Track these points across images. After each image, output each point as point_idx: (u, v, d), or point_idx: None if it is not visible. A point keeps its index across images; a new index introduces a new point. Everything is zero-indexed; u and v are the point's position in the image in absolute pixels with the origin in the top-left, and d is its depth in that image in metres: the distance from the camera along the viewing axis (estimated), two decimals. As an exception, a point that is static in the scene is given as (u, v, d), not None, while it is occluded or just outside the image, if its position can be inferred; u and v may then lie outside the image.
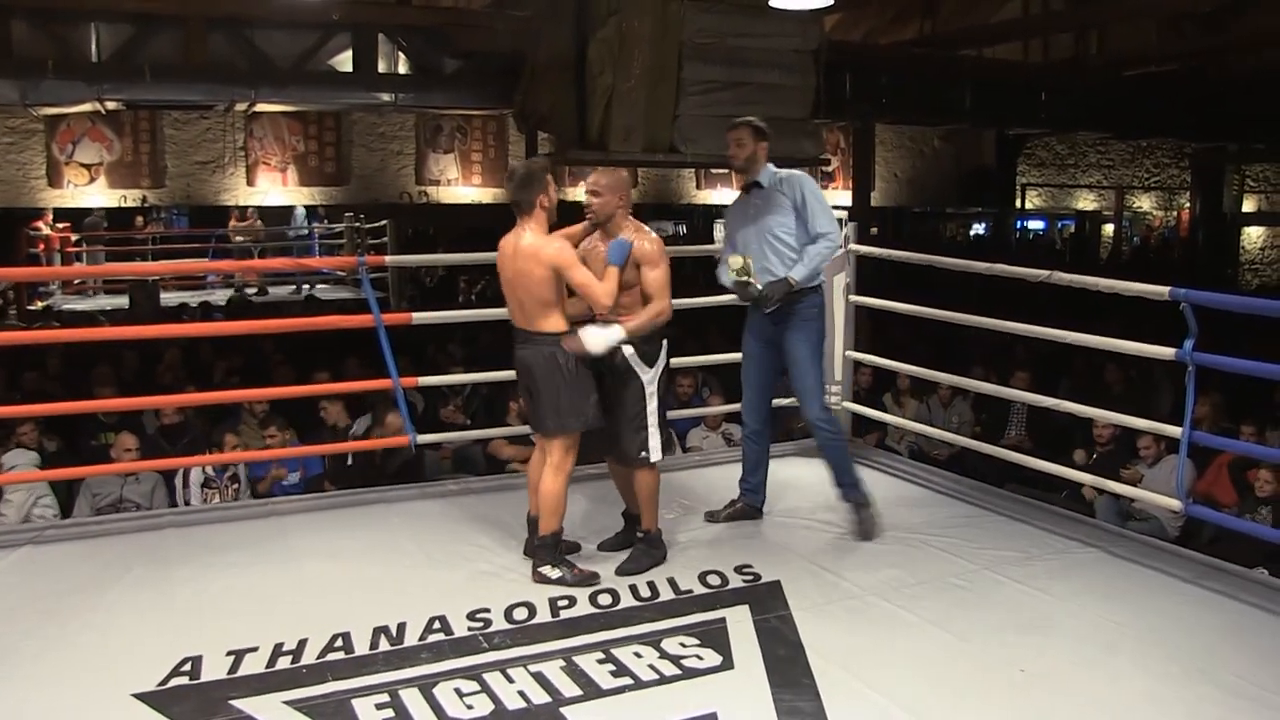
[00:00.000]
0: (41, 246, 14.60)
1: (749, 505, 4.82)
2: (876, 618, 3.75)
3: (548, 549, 4.05)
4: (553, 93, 10.04)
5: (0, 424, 6.42)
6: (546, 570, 4.03)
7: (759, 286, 4.40)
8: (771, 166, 4.54)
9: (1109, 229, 23.48)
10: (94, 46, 10.87)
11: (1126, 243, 23.45)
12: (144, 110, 13.92)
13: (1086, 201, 22.94)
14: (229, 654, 3.46)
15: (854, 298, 5.69)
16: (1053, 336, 4.74)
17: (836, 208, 4.69)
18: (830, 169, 18.10)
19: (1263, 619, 3.80)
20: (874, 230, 13.70)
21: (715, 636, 3.58)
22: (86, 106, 11.30)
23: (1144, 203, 23.56)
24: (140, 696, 3.20)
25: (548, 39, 10.24)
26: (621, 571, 4.12)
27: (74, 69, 10.45)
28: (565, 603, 3.87)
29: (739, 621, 3.70)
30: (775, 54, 10.11)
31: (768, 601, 3.86)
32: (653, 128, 9.67)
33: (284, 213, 16.90)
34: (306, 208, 16.88)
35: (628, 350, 4.03)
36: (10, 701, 3.22)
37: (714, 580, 4.09)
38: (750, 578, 4.12)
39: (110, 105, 11.15)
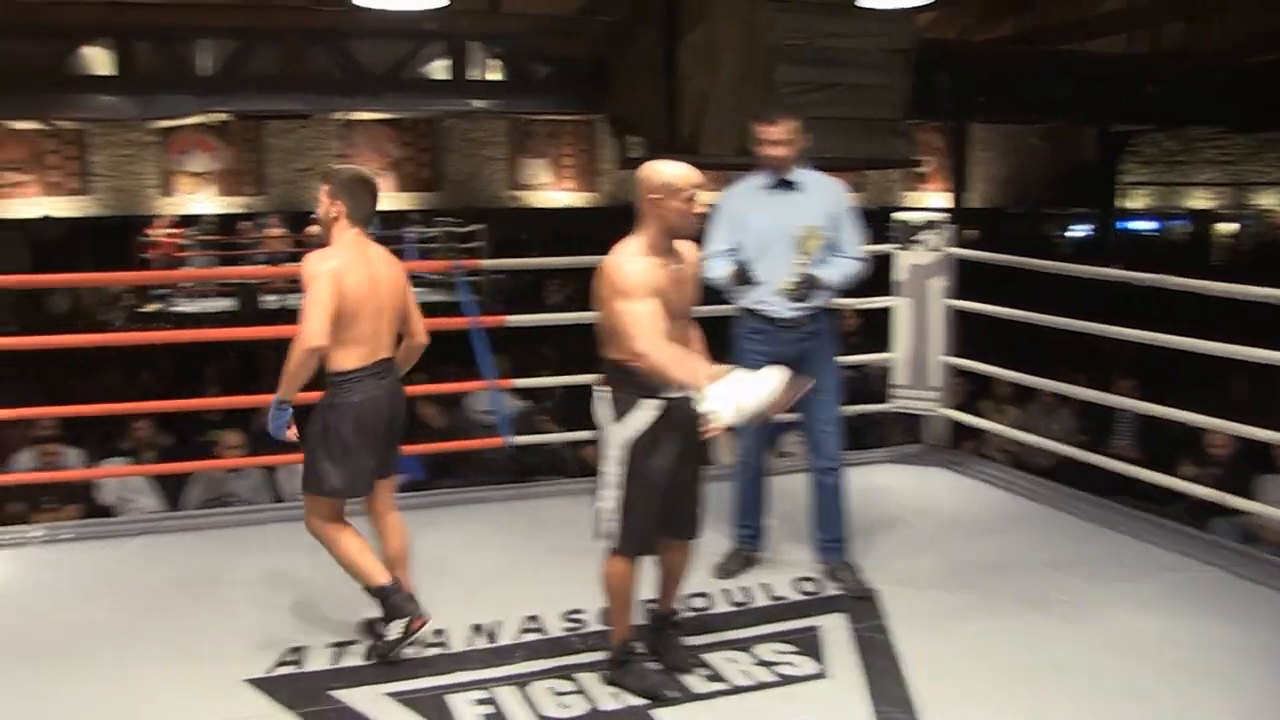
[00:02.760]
0: (153, 251, 15.03)
1: (750, 554, 4.28)
2: (976, 633, 3.65)
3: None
4: (642, 97, 10.07)
5: (116, 420, 6.64)
6: None
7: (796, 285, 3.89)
8: (808, 168, 4.14)
9: (1226, 228, 22.48)
10: (204, 62, 11.28)
11: (1248, 243, 22.37)
12: (248, 121, 14.37)
13: (1200, 200, 22.08)
14: (330, 646, 3.55)
15: (951, 301, 5.58)
16: (1167, 343, 4.52)
17: (930, 210, 4.44)
18: (923, 170, 17.83)
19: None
20: (972, 233, 13.42)
21: (810, 644, 3.54)
22: (196, 119, 11.74)
23: (1268, 200, 22.54)
24: (250, 682, 3.32)
25: (637, 44, 10.28)
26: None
27: (185, 84, 10.87)
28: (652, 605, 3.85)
29: (834, 630, 3.65)
30: (866, 54, 10.00)
31: (864, 611, 3.80)
32: (743, 131, 9.61)
33: (392, 219, 17.00)
34: (402, 212, 17.07)
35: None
36: (129, 682, 3.36)
37: (808, 587, 4.04)
38: (846, 585, 4.06)
39: (217, 117, 11.55)
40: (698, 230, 3.29)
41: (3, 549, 4.56)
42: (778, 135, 3.93)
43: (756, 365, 3.82)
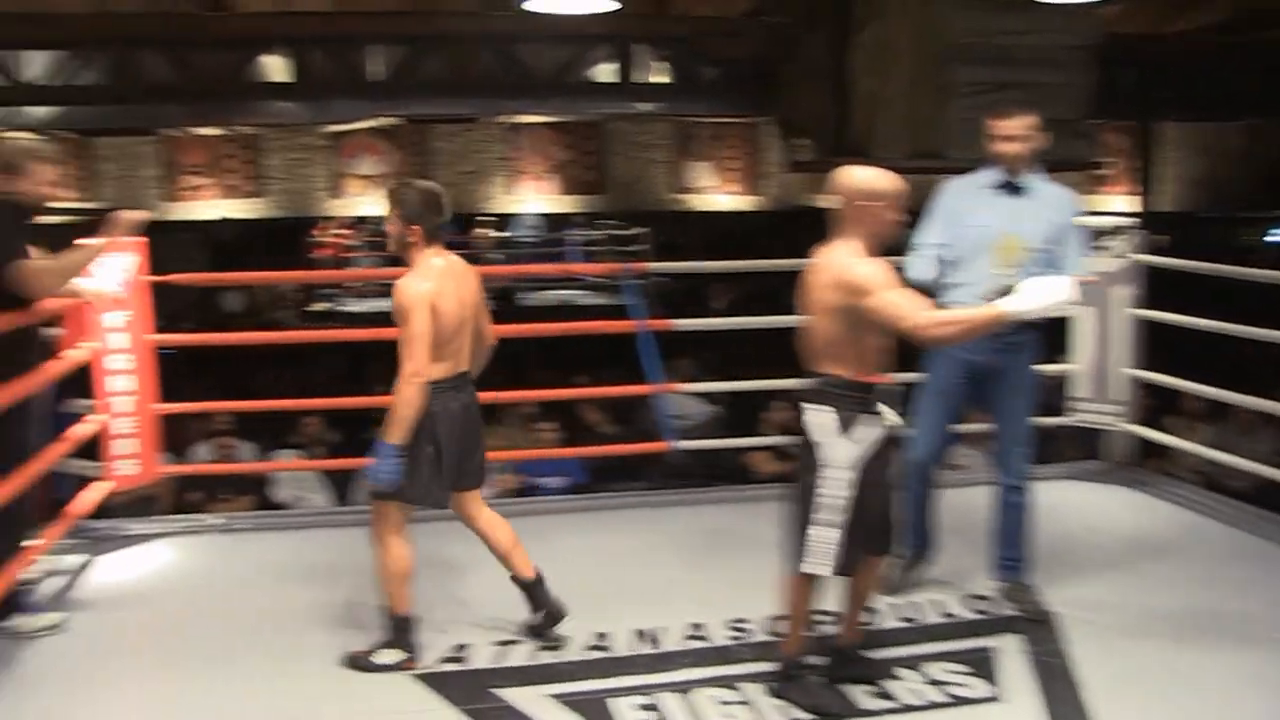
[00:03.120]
0: (321, 252, 15.57)
1: (918, 569, 4.10)
2: (1165, 664, 3.44)
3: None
4: (811, 99, 9.97)
5: (288, 416, 6.91)
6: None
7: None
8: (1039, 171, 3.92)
9: None
10: (375, 67, 11.74)
11: None
12: (416, 124, 14.85)
13: None
14: (494, 644, 3.60)
15: (1138, 311, 5.28)
16: None
17: (1114, 214, 4.16)
18: (1107, 173, 17.04)
19: None
20: (1161, 239, 12.76)
21: (983, 665, 3.41)
22: (366, 123, 12.23)
23: None
24: (416, 676, 3.39)
25: (805, 45, 10.17)
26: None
27: (357, 89, 11.34)
28: (824, 619, 3.76)
29: (1010, 652, 3.50)
30: (1046, 51, 9.66)
31: (1042, 634, 3.63)
32: (917, 133, 9.42)
33: (555, 221, 17.27)
34: (564, 215, 17.30)
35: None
36: (297, 672, 3.47)
37: (982, 606, 3.89)
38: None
39: (387, 120, 12.01)
40: (900, 238, 3.21)
41: (181, 536, 4.79)
42: (1012, 131, 3.73)
43: (950, 373, 3.80)
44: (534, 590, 3.64)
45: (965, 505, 4.27)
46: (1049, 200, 3.80)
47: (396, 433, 3.29)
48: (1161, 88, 12.84)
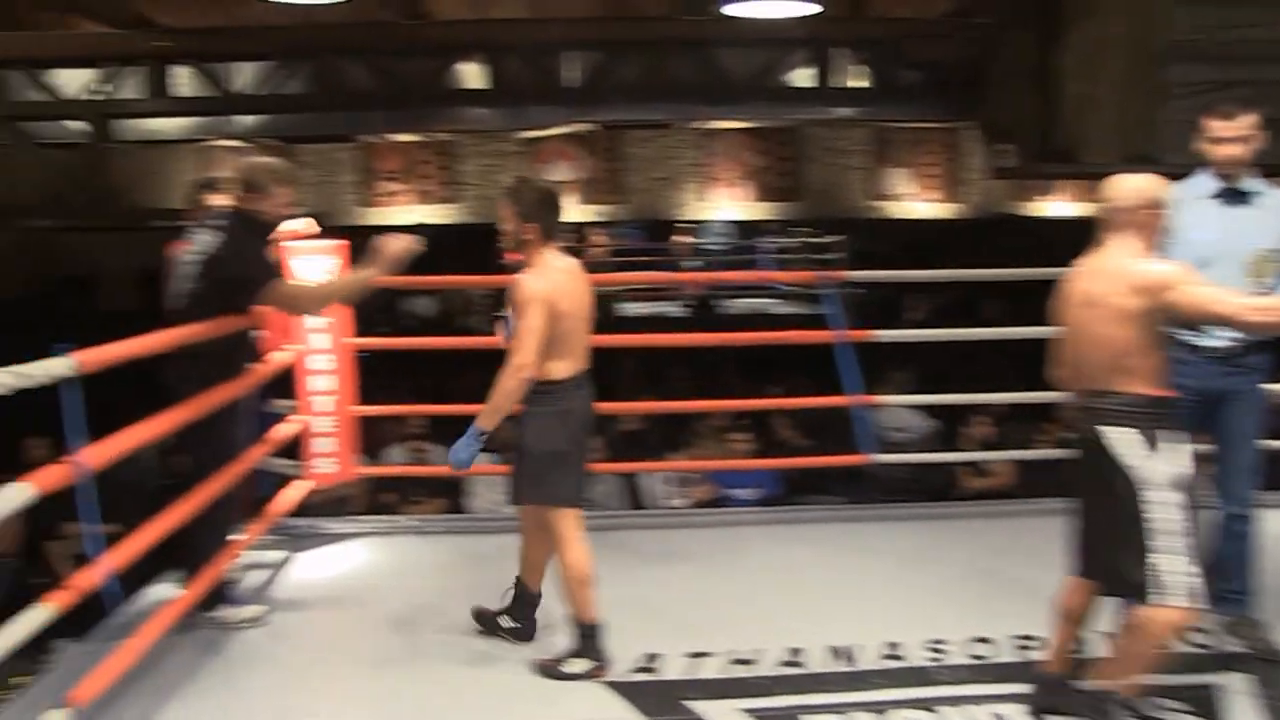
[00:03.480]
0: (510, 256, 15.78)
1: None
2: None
3: None
4: (1017, 101, 9.64)
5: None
6: None
7: None
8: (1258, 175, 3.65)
9: None
10: (570, 73, 11.94)
11: None
12: (610, 130, 15.02)
13: None
14: (688, 655, 3.59)
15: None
16: None
17: None
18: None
19: None
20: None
21: (1204, 704, 3.20)
22: (562, 129, 12.45)
23: None
24: (608, 685, 3.41)
25: (1011, 45, 9.84)
26: None
27: (552, 95, 11.56)
28: (1028, 642, 3.62)
29: (1235, 692, 3.27)
30: (1276, 45, 9.02)
31: (1273, 674, 3.38)
32: (1129, 137, 8.97)
33: (748, 228, 17.20)
34: (758, 222, 17.18)
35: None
36: (486, 673, 3.55)
37: (1202, 640, 3.64)
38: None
39: (581, 126, 12.20)
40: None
41: (376, 536, 4.95)
42: (1234, 132, 3.47)
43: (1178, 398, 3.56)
44: (528, 602, 3.69)
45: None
46: (1276, 207, 3.54)
47: (488, 420, 3.37)
48: None
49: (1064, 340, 3.10)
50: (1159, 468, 2.85)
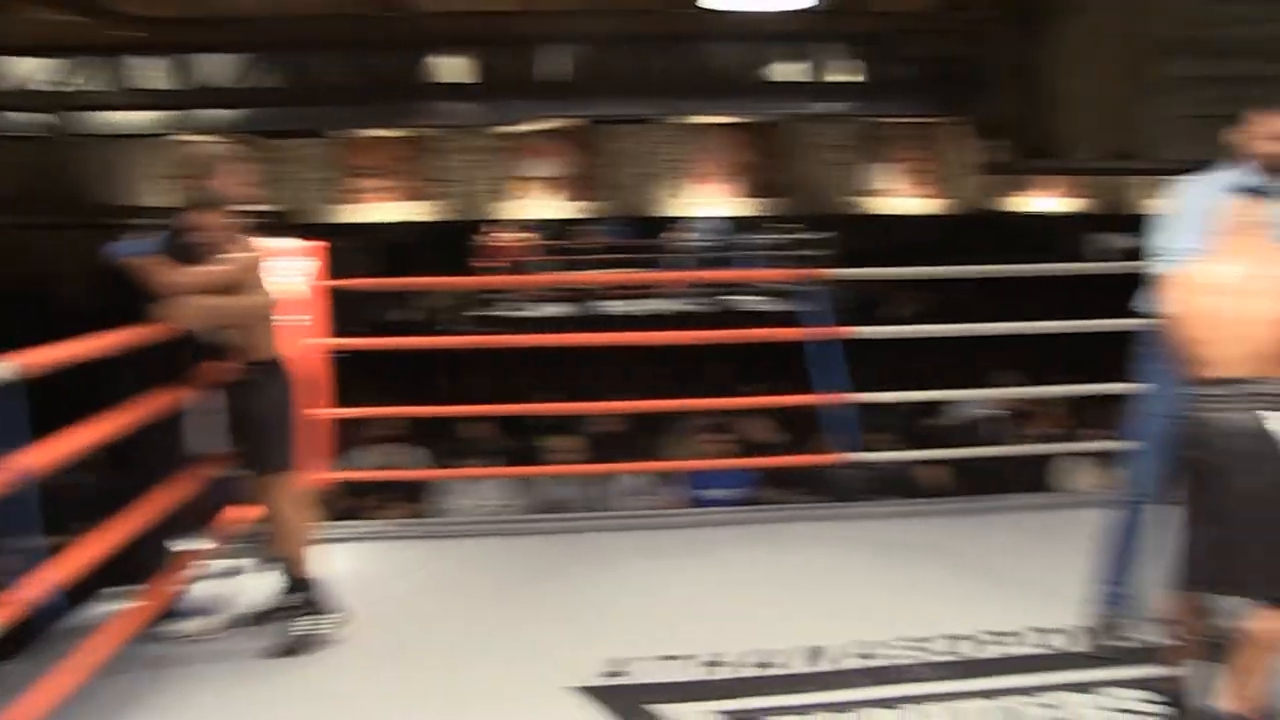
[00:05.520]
0: (494, 256, 15.41)
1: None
2: None
3: None
4: (1008, 98, 9.58)
5: (458, 423, 6.96)
6: None
7: None
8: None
9: None
10: (554, 68, 11.79)
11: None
12: (594, 125, 14.84)
13: None
14: (659, 658, 3.53)
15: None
16: None
17: None
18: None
19: None
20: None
21: (1163, 690, 3.13)
22: (545, 124, 12.30)
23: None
24: (578, 689, 3.34)
25: (1002, 40, 9.79)
26: None
27: (536, 89, 11.40)
28: (1002, 639, 3.62)
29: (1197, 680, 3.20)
30: (1270, 42, 8.97)
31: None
32: (1119, 133, 8.94)
33: (737, 224, 17.03)
34: (746, 218, 17.05)
35: None
36: (456, 680, 3.47)
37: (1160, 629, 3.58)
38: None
39: (565, 122, 12.07)
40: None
41: (348, 541, 4.79)
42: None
43: (1160, 387, 3.43)
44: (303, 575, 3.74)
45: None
46: None
47: None
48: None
49: (1191, 328, 3.00)
50: None
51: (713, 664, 3.50)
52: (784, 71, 11.80)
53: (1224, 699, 2.87)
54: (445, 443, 6.91)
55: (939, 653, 3.53)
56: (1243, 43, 8.93)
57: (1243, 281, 2.89)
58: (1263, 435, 2.79)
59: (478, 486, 6.32)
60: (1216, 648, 3.20)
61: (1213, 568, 2.88)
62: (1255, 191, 3.35)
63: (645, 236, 16.51)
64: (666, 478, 6.09)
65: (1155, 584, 3.33)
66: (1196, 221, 3.40)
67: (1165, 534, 3.35)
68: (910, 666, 3.45)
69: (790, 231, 15.42)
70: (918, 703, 3.20)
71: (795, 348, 4.99)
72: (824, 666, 3.47)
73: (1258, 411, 2.80)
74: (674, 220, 16.38)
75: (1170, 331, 3.07)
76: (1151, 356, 3.46)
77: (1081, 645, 3.56)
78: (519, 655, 3.60)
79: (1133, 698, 3.19)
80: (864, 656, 3.51)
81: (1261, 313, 2.83)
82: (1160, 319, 3.21)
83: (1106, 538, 3.59)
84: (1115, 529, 3.57)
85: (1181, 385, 3.15)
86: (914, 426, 6.84)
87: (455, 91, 12.36)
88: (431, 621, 3.91)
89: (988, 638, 3.62)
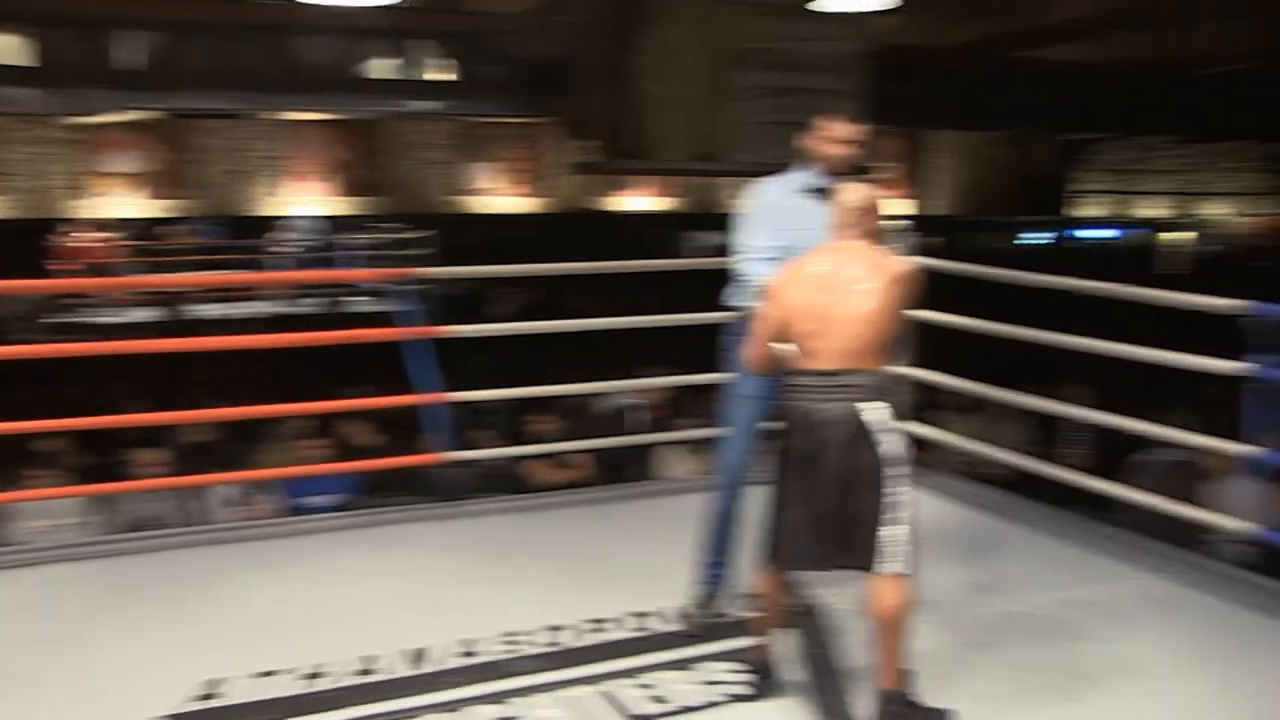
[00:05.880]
0: (68, 257, 14.29)
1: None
2: (929, 653, 3.48)
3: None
4: (598, 100, 9.94)
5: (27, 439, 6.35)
6: None
7: None
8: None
9: (1179, 236, 22.89)
10: (131, 55, 10.87)
11: (1200, 251, 22.83)
12: (179, 119, 13.92)
13: (1154, 208, 22.42)
14: (255, 676, 3.37)
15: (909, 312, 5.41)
16: (1116, 353, 4.42)
17: (895, 218, 4.19)
18: (885, 177, 17.83)
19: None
20: (936, 240, 13.42)
21: (754, 662, 3.36)
22: (122, 115, 11.35)
23: (1216, 209, 22.96)
24: (166, 719, 3.12)
25: (594, 45, 10.15)
26: None
27: (111, 78, 10.47)
28: (600, 625, 3.75)
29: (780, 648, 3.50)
30: (827, 57, 9.94)
31: (810, 629, 3.68)
32: (699, 136, 9.54)
33: (333, 224, 16.54)
34: (344, 218, 16.56)
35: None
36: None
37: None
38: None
39: (146, 114, 11.21)
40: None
41: None
42: (847, 135, 3.68)
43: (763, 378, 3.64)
44: None
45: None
46: None
47: None
48: (933, 96, 13.46)
49: (794, 322, 3.15)
50: (901, 444, 3.03)
51: (313, 676, 3.39)
52: (379, 68, 11.56)
53: (879, 679, 3.06)
54: (14, 462, 6.22)
55: (541, 645, 3.60)
56: (805, 57, 9.83)
57: (840, 278, 3.10)
58: (858, 424, 3.02)
59: (53, 507, 5.67)
60: (796, 618, 3.58)
61: (808, 545, 3.08)
62: (822, 192, 3.64)
63: (240, 236, 15.68)
64: (263, 487, 5.81)
65: (747, 561, 3.60)
66: (771, 220, 3.71)
67: (756, 515, 3.63)
68: (513, 660, 3.49)
69: (390, 231, 15.18)
70: (524, 695, 3.25)
71: (397, 349, 4.90)
72: (428, 668, 3.44)
73: (854, 403, 3.03)
74: (271, 220, 15.68)
75: (769, 324, 3.25)
76: (738, 347, 3.66)
77: (676, 625, 3.75)
78: (99, 687, 3.31)
79: (723, 669, 3.42)
80: (468, 655, 3.52)
81: (857, 309, 3.05)
82: (752, 312, 3.42)
83: (707, 521, 3.80)
84: (713, 512, 3.79)
85: (771, 376, 3.41)
86: (518, 423, 6.94)
87: (17, 75, 10.96)
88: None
89: (588, 626, 3.73)
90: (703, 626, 3.70)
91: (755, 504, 3.45)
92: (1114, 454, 6.84)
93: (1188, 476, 6.02)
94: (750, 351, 3.42)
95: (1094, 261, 20.61)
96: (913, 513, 3.01)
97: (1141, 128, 16.45)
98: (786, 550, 3.12)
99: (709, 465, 6.71)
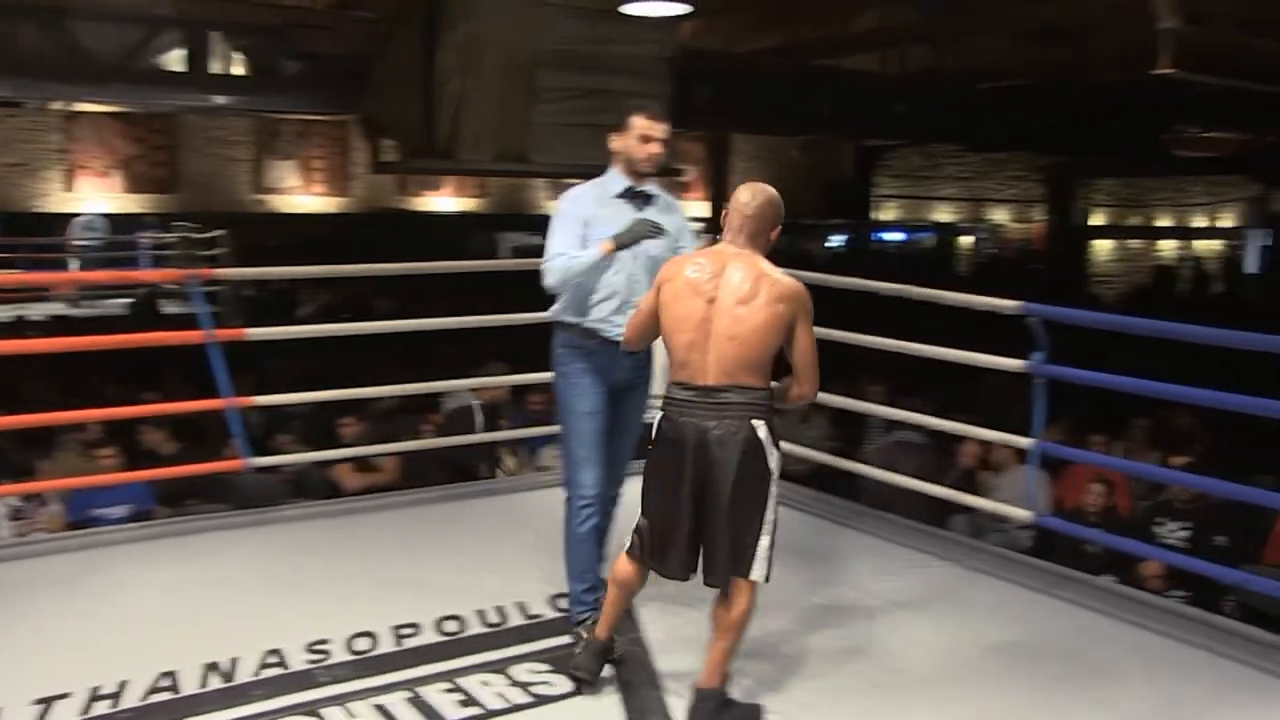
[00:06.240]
0: None
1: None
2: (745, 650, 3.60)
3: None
4: (399, 98, 9.79)
5: None
6: None
7: None
8: None
9: (966, 240, 24.29)
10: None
11: (983, 254, 24.33)
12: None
13: (944, 213, 23.69)
14: (36, 702, 3.16)
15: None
16: (905, 350, 4.61)
17: (694, 220, 4.18)
18: (686, 180, 18.19)
19: (1108, 625, 3.91)
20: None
21: (566, 662, 3.41)
22: None
23: (1000, 215, 24.48)
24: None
25: (394, 42, 9.98)
26: None
27: None
28: (410, 631, 3.70)
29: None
30: (632, 61, 10.05)
31: (621, 626, 3.64)
32: (504, 136, 9.50)
33: (122, 222, 15.63)
34: (133, 216, 15.70)
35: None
36: None
37: (565, 604, 3.91)
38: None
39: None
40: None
41: None
42: (662, 133, 3.57)
43: (582, 388, 3.61)
44: None
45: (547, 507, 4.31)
46: (670, 206, 3.76)
47: None
48: (733, 101, 13.79)
49: (672, 329, 3.11)
50: (777, 459, 3.06)
51: (105, 697, 3.21)
52: (170, 59, 10.97)
53: (704, 676, 3.10)
54: None
55: (355, 652, 3.53)
56: (611, 60, 9.92)
57: (723, 289, 3.05)
58: (747, 442, 3.01)
59: None
60: (625, 620, 3.57)
61: (682, 555, 3.09)
62: (629, 194, 3.66)
63: (15, 234, 14.64)
64: (46, 499, 5.49)
65: (590, 563, 3.63)
66: (583, 225, 3.60)
67: (607, 520, 3.72)
68: (324, 669, 3.41)
69: (181, 230, 14.48)
70: (339, 703, 3.19)
71: (198, 352, 4.70)
72: (231, 682, 3.32)
73: (743, 420, 3.01)
74: (52, 217, 14.73)
75: (643, 315, 3.27)
76: (569, 353, 3.63)
77: (489, 626, 3.75)
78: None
79: (534, 671, 3.43)
80: (274, 666, 3.42)
81: (739, 327, 3.02)
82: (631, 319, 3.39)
83: (570, 547, 3.66)
84: (575, 536, 3.64)
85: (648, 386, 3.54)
86: (328, 427, 6.79)
87: None
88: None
89: (405, 631, 3.68)
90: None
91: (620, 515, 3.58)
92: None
93: (916, 455, 6.49)
94: (589, 356, 3.53)
95: (891, 263, 21.73)
96: (775, 520, 3.09)
97: (931, 136, 17.33)
98: (658, 557, 3.13)
99: (530, 466, 6.77)
